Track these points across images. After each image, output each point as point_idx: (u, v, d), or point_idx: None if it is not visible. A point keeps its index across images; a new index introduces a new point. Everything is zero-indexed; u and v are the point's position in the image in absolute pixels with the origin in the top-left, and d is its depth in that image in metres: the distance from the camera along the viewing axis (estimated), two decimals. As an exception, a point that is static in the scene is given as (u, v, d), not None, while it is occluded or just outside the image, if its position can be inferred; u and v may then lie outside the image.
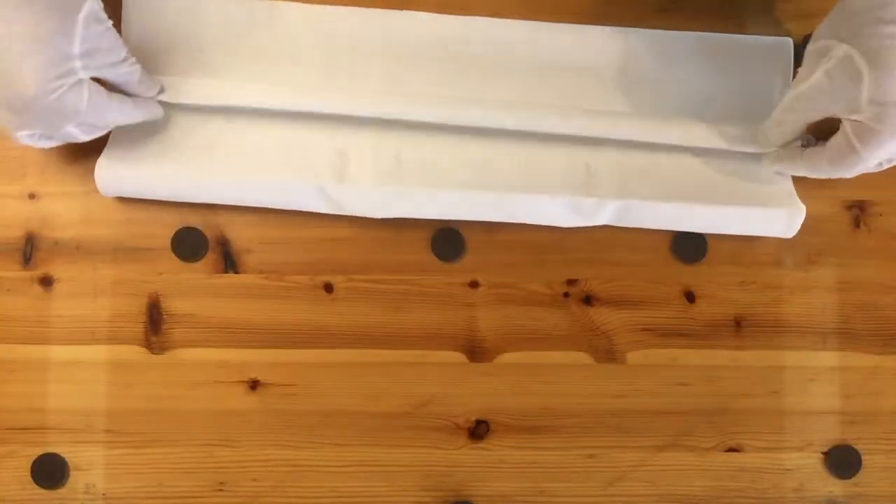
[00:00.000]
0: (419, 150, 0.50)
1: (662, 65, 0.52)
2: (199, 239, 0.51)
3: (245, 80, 0.50)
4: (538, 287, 0.52)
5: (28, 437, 0.50)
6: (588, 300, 0.52)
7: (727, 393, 0.53)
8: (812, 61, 0.44)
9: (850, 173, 0.46)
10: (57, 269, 0.50)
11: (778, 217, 0.51)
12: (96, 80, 0.44)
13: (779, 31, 0.53)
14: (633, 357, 0.52)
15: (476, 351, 0.52)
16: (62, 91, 0.41)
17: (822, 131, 0.46)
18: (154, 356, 0.51)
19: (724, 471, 0.53)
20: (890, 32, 0.39)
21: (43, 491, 0.50)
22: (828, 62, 0.43)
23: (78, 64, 0.41)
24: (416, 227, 0.51)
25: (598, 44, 0.52)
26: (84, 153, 0.49)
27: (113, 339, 0.51)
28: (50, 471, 0.50)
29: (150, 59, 0.48)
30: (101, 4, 0.42)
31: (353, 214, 0.50)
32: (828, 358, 0.53)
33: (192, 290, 0.51)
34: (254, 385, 0.51)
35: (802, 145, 0.49)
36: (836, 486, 0.53)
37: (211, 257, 0.51)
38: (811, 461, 0.53)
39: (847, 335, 0.53)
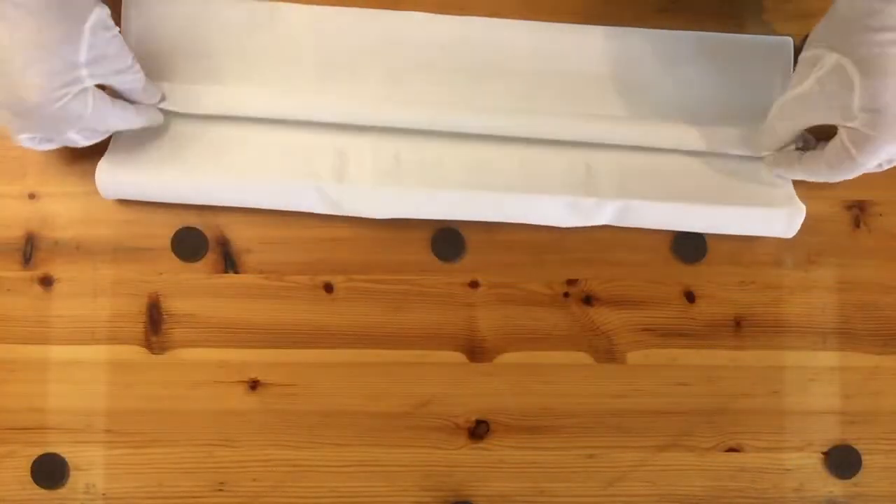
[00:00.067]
0: (419, 151, 0.50)
1: (662, 65, 0.52)
2: (199, 239, 0.51)
3: (245, 85, 0.50)
4: (538, 287, 0.52)
5: (28, 437, 0.50)
6: (588, 300, 0.52)
7: (727, 393, 0.53)
8: (804, 69, 0.45)
9: (848, 177, 0.46)
10: (57, 269, 0.50)
11: (778, 217, 0.51)
12: (100, 86, 0.44)
13: (779, 31, 0.53)
14: (633, 357, 0.52)
15: (476, 351, 0.52)
16: (67, 99, 0.41)
17: (822, 131, 0.46)
18: (154, 356, 0.51)
19: (724, 471, 0.53)
20: (880, 40, 0.40)
21: (43, 491, 0.50)
22: (819, 70, 0.43)
23: (84, 72, 0.41)
24: (416, 227, 0.51)
25: (598, 44, 0.52)
26: (84, 153, 0.49)
27: (113, 339, 0.51)
28: (50, 471, 0.50)
29: (149, 63, 0.48)
30: (109, 11, 0.42)
31: (353, 215, 0.50)
32: (828, 358, 0.53)
33: (192, 290, 0.51)
34: (254, 385, 0.51)
35: (798, 148, 0.49)
36: (836, 486, 0.53)
37: (211, 257, 0.51)
38: (811, 461, 0.53)
39: (847, 335, 0.53)
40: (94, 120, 0.44)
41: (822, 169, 0.46)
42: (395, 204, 0.50)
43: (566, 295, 0.52)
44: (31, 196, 0.51)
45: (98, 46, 0.42)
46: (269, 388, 0.51)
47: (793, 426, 0.53)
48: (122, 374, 0.51)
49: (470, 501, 0.52)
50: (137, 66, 0.45)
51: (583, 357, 0.52)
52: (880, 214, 0.53)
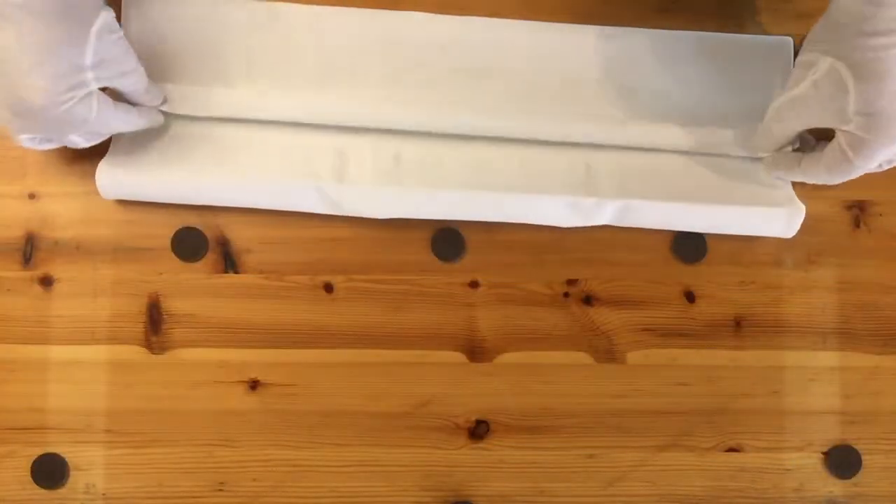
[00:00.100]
0: (419, 151, 0.50)
1: (662, 65, 0.52)
2: (199, 239, 0.51)
3: (245, 85, 0.50)
4: (538, 287, 0.52)
5: (28, 437, 0.50)
6: (588, 300, 0.52)
7: (727, 393, 0.53)
8: (800, 72, 0.45)
9: (848, 179, 0.46)
10: (57, 269, 0.50)
11: (777, 217, 0.51)
12: (102, 88, 0.44)
13: (779, 31, 0.53)
14: (633, 357, 0.52)
15: (476, 351, 0.52)
16: (72, 103, 0.41)
17: (821, 131, 0.46)
18: (154, 356, 0.51)
19: (724, 471, 0.53)
20: (873, 45, 0.40)
21: (43, 491, 0.50)
22: (814, 74, 0.43)
23: (90, 75, 0.41)
24: (416, 227, 0.51)
25: (598, 44, 0.52)
26: (84, 154, 0.49)
27: (113, 339, 0.51)
28: (50, 471, 0.50)
29: (149, 63, 0.48)
30: (114, 14, 0.42)
31: (353, 215, 0.50)
32: (828, 358, 0.53)
33: (192, 290, 0.51)
34: (254, 385, 0.51)
35: (796, 149, 0.49)
36: (836, 486, 0.53)
37: (211, 257, 0.51)
38: (811, 461, 0.53)
39: (847, 335, 0.53)
40: (97, 124, 0.44)
41: (821, 172, 0.46)
42: (395, 204, 0.50)
43: (566, 295, 0.52)
44: (31, 196, 0.51)
45: (103, 49, 0.42)
46: (269, 388, 0.51)
47: (793, 426, 0.53)
48: (122, 374, 0.51)
49: (470, 501, 0.52)
50: (141, 69, 0.45)
51: (583, 357, 0.52)
52: (880, 214, 0.53)
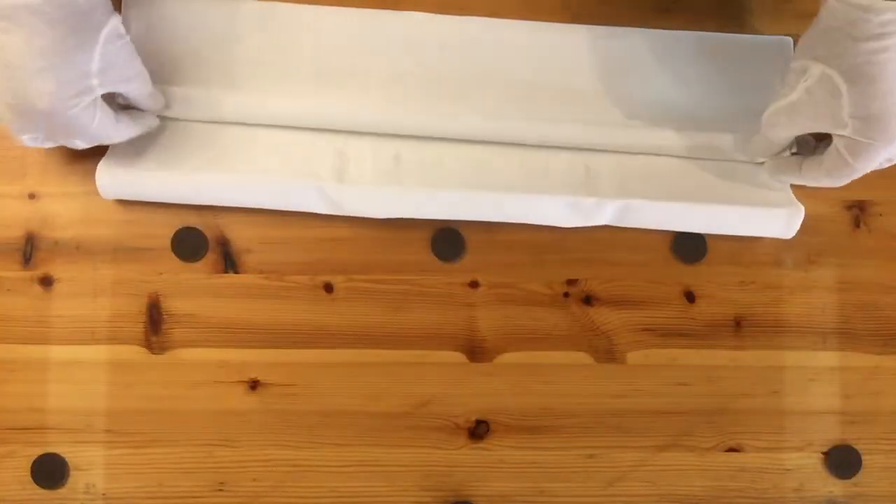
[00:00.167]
0: (419, 151, 0.50)
1: (662, 65, 0.52)
2: (199, 239, 0.51)
3: (245, 86, 0.50)
4: (538, 287, 0.52)
5: (28, 437, 0.50)
6: (588, 300, 0.52)
7: (727, 393, 0.53)
8: (792, 79, 0.45)
9: (849, 181, 0.46)
10: (57, 269, 0.50)
11: (777, 217, 0.51)
12: (106, 95, 0.44)
13: (779, 31, 0.53)
14: (633, 357, 0.52)
15: (476, 351, 0.52)
16: (76, 110, 0.41)
17: (821, 133, 0.46)
18: (154, 356, 0.51)
19: (724, 471, 0.53)
20: (864, 49, 0.40)
21: (43, 491, 0.50)
22: (806, 80, 0.43)
23: (95, 81, 0.42)
24: (416, 227, 0.51)
25: (598, 44, 0.52)
26: (84, 154, 0.49)
27: (113, 339, 0.51)
28: (50, 471, 0.50)
29: (149, 65, 0.48)
30: (121, 19, 0.43)
31: (353, 215, 0.50)
32: (828, 358, 0.53)
33: (192, 290, 0.51)
34: (254, 385, 0.51)
35: (794, 153, 0.50)
36: (836, 486, 0.53)
37: (211, 257, 0.51)
38: (811, 461, 0.53)
39: (847, 335, 0.53)
40: (96, 132, 0.44)
41: (823, 176, 0.47)
42: (395, 204, 0.50)
43: (566, 295, 0.52)
44: (31, 196, 0.51)
45: (110, 55, 0.42)
46: (269, 388, 0.51)
47: (793, 426, 0.53)
48: (122, 374, 0.51)
49: (470, 501, 0.52)
50: (145, 73, 0.46)
51: (583, 357, 0.52)
52: (880, 214, 0.53)
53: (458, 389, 0.52)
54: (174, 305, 0.51)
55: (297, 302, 0.51)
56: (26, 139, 0.43)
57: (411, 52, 0.51)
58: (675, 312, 0.53)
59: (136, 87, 0.45)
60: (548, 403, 0.52)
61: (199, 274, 0.51)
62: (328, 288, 0.51)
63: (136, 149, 0.49)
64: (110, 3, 0.42)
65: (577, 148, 0.51)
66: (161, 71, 0.49)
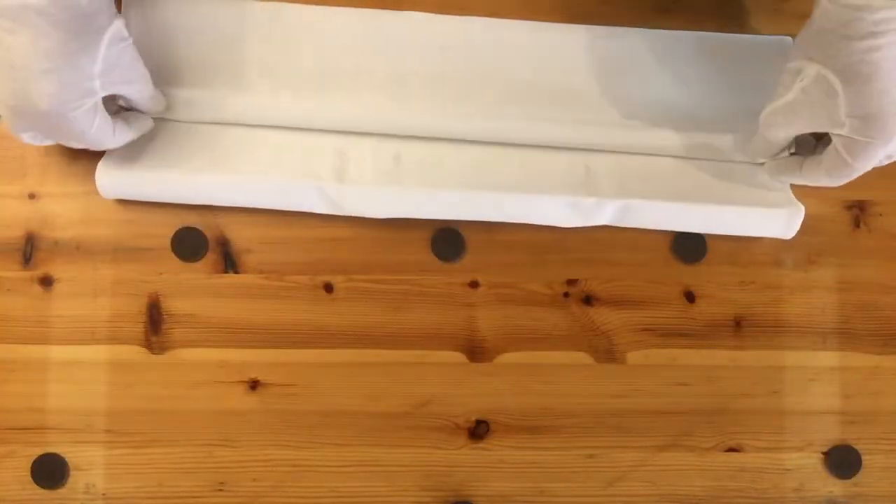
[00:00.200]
0: (419, 150, 0.50)
1: (662, 65, 0.52)
2: (199, 239, 0.51)
3: (245, 87, 0.50)
4: (538, 287, 0.52)
5: (28, 437, 0.50)
6: (588, 300, 0.52)
7: (727, 393, 0.53)
8: (788, 80, 0.45)
9: (850, 180, 0.46)
10: (57, 269, 0.50)
11: (777, 217, 0.51)
12: (107, 98, 0.44)
13: (778, 31, 0.53)
14: (633, 357, 0.52)
15: (476, 351, 0.52)
16: (77, 113, 0.41)
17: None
18: (154, 356, 0.51)
19: (724, 471, 0.53)
20: (858, 48, 0.40)
21: (43, 491, 0.50)
22: (802, 81, 0.44)
23: (97, 83, 0.42)
24: (416, 227, 0.51)
25: (598, 44, 0.52)
26: (84, 154, 0.49)
27: (113, 339, 0.51)
28: (50, 471, 0.50)
29: (148, 65, 0.48)
30: (124, 21, 0.43)
31: (353, 215, 0.50)
32: (828, 358, 0.53)
33: (192, 290, 0.51)
34: (254, 385, 0.51)
35: (793, 153, 0.50)
36: (836, 486, 0.53)
37: (211, 257, 0.51)
38: (811, 461, 0.53)
39: (847, 335, 0.53)
40: (92, 138, 0.44)
41: (822, 176, 0.47)
42: (395, 204, 0.50)
43: (566, 295, 0.52)
44: (31, 196, 0.51)
45: (113, 57, 0.42)
46: (269, 388, 0.51)
47: (793, 426, 0.53)
48: (122, 374, 0.51)
49: (470, 501, 0.52)
50: (147, 76, 0.46)
51: (583, 357, 0.52)
52: (880, 214, 0.53)
53: (458, 389, 0.52)
54: (174, 305, 0.51)
55: (297, 302, 0.51)
56: (25, 137, 0.43)
57: (411, 53, 0.51)
58: (675, 312, 0.53)
59: (138, 90, 0.45)
60: (548, 403, 0.52)
61: (199, 274, 0.51)
62: (328, 288, 0.51)
63: (136, 149, 0.49)
64: (114, 6, 0.42)
65: (576, 148, 0.51)
66: (161, 72, 0.49)
